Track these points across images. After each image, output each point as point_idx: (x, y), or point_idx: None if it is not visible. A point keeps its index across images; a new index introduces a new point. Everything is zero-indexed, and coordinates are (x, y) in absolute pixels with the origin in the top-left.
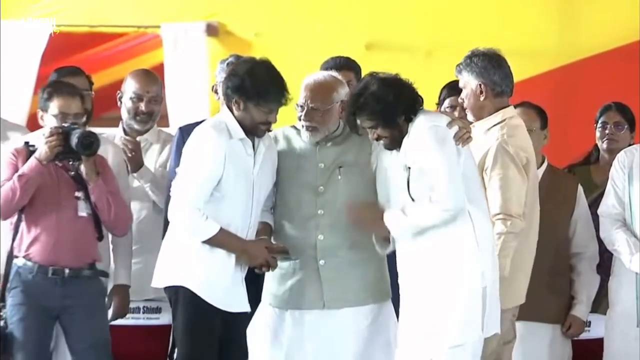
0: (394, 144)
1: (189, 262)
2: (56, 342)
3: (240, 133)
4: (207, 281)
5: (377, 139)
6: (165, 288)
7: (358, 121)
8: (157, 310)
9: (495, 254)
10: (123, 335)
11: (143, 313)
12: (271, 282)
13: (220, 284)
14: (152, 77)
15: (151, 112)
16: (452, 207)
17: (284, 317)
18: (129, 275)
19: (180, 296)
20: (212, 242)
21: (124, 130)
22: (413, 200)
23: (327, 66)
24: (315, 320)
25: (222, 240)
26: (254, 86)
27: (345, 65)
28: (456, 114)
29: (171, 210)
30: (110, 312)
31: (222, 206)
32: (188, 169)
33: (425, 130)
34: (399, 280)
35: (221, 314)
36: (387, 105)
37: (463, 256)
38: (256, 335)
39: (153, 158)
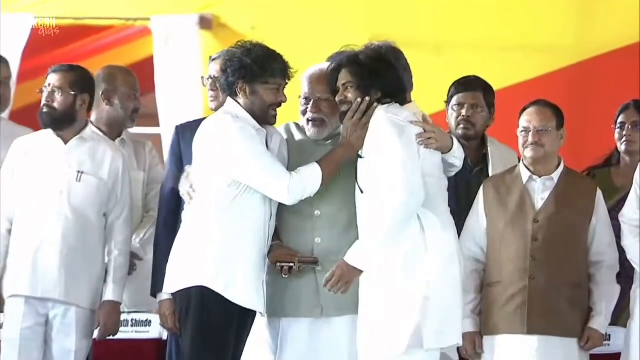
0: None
1: (207, 262)
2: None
3: (255, 123)
4: (229, 279)
5: (342, 102)
6: (176, 294)
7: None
8: (147, 323)
9: (453, 263)
10: (110, 349)
11: (132, 326)
12: (266, 288)
13: (242, 282)
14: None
15: (139, 109)
16: (405, 200)
17: (278, 325)
18: (120, 291)
19: (195, 300)
20: (325, 178)
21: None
22: (362, 192)
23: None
24: (311, 328)
25: (328, 167)
26: (256, 63)
27: None
28: (463, 112)
29: (277, 197)
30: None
31: (247, 195)
32: (246, 162)
33: (383, 121)
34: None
35: (237, 316)
36: (373, 71)
37: (406, 262)
38: (250, 343)
39: (133, 160)
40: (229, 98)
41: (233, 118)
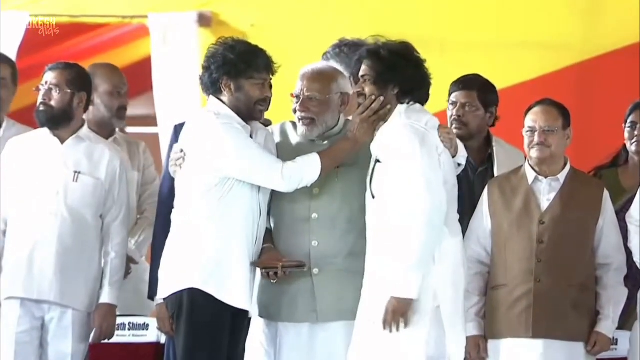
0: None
1: (197, 263)
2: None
3: (239, 120)
4: (222, 281)
5: (359, 94)
6: (168, 299)
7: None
8: (145, 326)
9: (461, 273)
10: (107, 353)
11: (129, 330)
12: (261, 292)
13: (234, 282)
14: (120, 70)
15: (127, 106)
16: (431, 215)
17: (274, 330)
18: (116, 294)
19: (187, 303)
20: (325, 168)
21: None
22: (373, 197)
23: None
24: (307, 333)
25: (329, 159)
26: (240, 58)
27: None
28: (454, 111)
29: (273, 185)
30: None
31: (234, 194)
32: (236, 155)
33: (403, 127)
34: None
35: (230, 318)
36: (391, 66)
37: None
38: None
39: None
40: (211, 97)
41: (216, 115)
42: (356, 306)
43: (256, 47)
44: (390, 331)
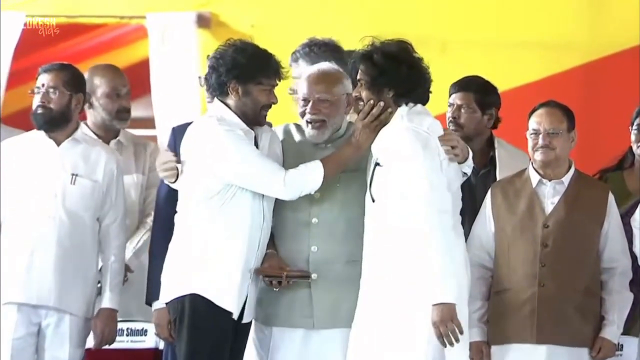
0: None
1: (199, 269)
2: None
3: (243, 125)
4: (222, 287)
5: (357, 98)
6: (170, 303)
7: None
8: (143, 332)
9: (464, 276)
10: (105, 359)
11: (127, 335)
12: (259, 295)
13: (234, 288)
14: (120, 70)
15: (129, 108)
16: (438, 221)
17: (269, 334)
18: (117, 298)
19: (188, 308)
20: (328, 176)
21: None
22: (373, 200)
23: None
24: (303, 339)
25: (332, 166)
26: (250, 62)
27: None
28: (450, 113)
29: (274, 193)
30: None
31: (237, 200)
32: (237, 162)
33: (404, 131)
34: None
35: (233, 325)
36: (384, 71)
37: (416, 276)
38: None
39: (131, 162)
40: (215, 100)
41: (219, 121)
42: (353, 314)
43: (266, 51)
44: (452, 344)
